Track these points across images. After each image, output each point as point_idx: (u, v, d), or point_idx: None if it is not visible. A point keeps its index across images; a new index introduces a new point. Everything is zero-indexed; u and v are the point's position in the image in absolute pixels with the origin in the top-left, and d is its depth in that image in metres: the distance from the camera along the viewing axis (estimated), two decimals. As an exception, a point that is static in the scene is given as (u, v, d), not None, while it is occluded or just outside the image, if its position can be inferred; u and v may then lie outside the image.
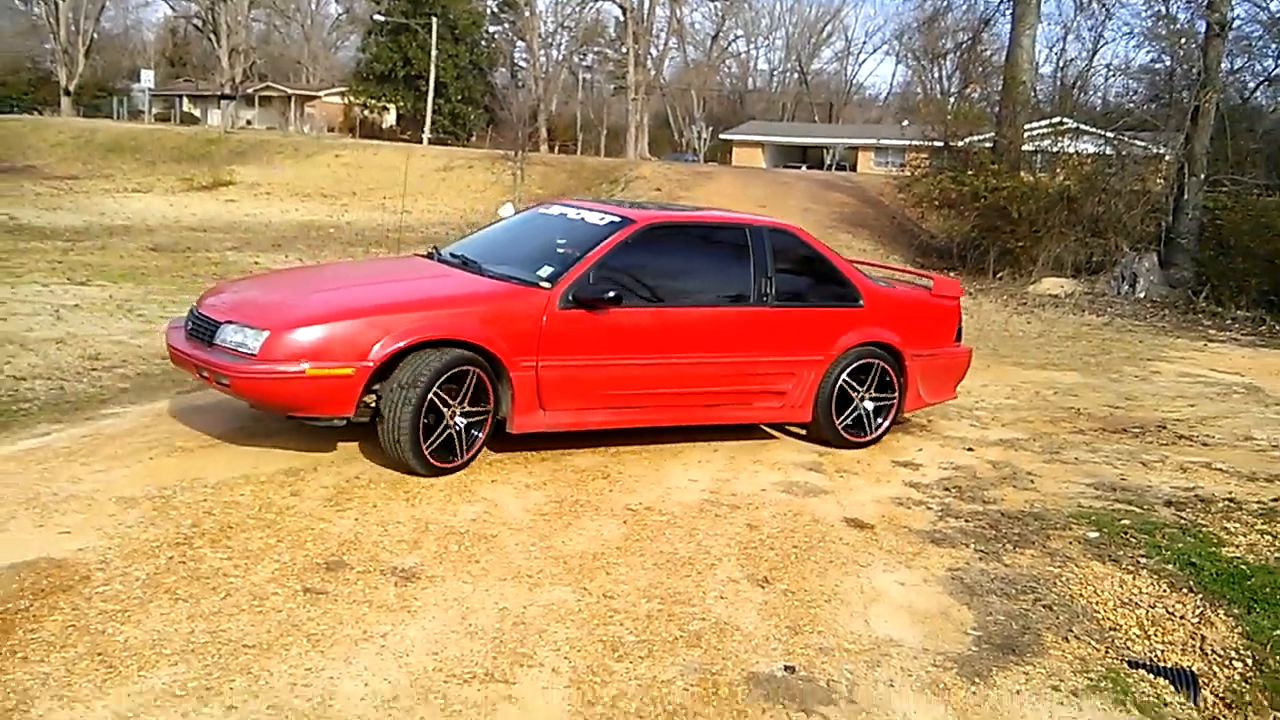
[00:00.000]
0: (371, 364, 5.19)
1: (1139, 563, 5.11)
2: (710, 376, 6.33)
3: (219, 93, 54.50)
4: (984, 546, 5.21)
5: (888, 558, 4.99)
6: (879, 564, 4.91)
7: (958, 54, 29.81)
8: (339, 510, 4.90)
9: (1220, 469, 6.90)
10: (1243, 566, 5.12)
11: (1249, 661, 4.44)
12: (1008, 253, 17.79)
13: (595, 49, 69.18)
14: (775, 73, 77.32)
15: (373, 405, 5.38)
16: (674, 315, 6.16)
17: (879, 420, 6.88)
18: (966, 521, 5.54)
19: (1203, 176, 17.69)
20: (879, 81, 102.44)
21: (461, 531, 4.76)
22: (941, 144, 20.86)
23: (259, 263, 15.73)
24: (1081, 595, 4.79)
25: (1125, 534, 5.46)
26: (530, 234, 6.91)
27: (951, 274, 17.56)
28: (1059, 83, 36.66)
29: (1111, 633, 4.52)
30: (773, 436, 6.89)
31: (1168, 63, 22.63)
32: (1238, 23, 20.12)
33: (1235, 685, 4.31)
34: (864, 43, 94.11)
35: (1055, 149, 20.61)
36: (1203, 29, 18.88)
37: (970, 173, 18.84)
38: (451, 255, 6.58)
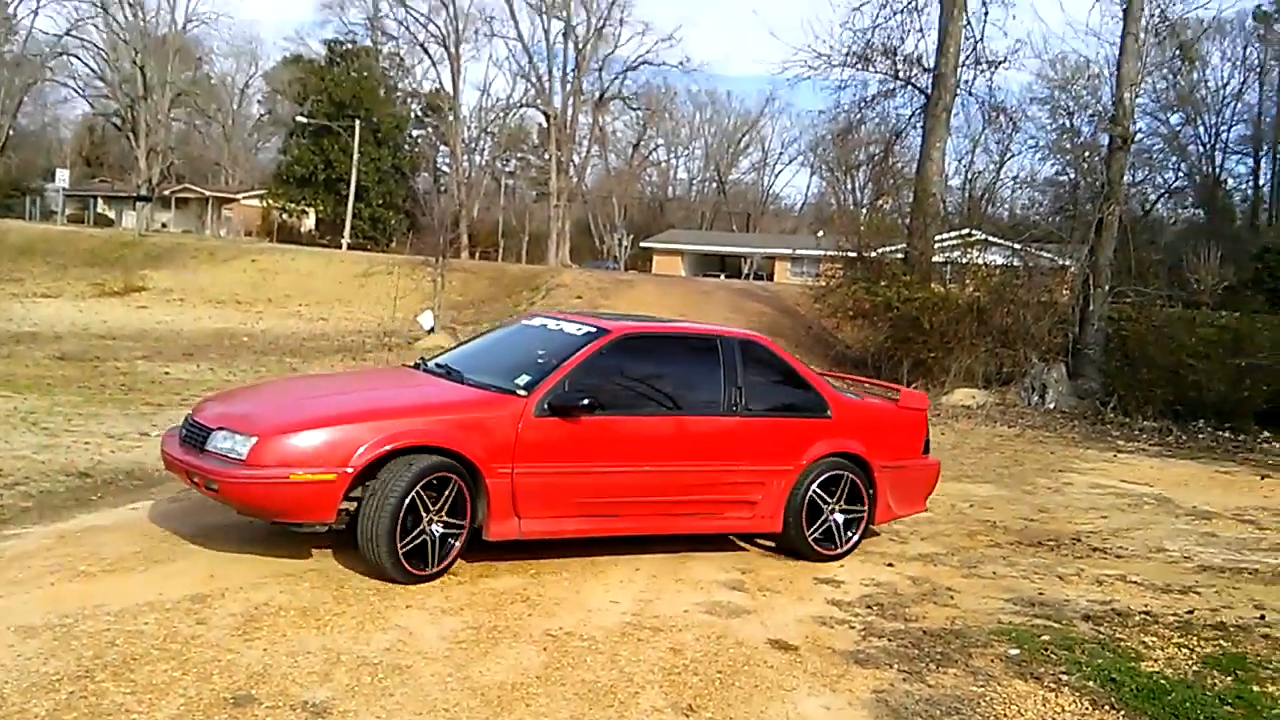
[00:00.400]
0: (351, 470, 5.35)
1: (1060, 680, 5.12)
2: (683, 485, 6.44)
3: (135, 193, 53.75)
4: (907, 666, 5.17)
5: (812, 681, 4.92)
6: (804, 688, 4.83)
7: (870, 166, 30.74)
8: (247, 640, 4.70)
9: (1135, 581, 7.01)
10: (1162, 681, 5.16)
11: (1173, 782, 4.45)
12: (921, 363, 18.15)
13: (518, 155, 70.24)
14: (694, 181, 79.14)
15: (351, 511, 5.48)
16: (647, 424, 6.34)
17: (849, 533, 6.93)
18: (889, 640, 5.51)
19: (1107, 288, 18.31)
20: (794, 192, 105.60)
21: (374, 662, 4.58)
22: (855, 254, 21.37)
23: (169, 373, 15.38)
24: (1006, 715, 4.76)
25: (1046, 650, 5.47)
26: (513, 345, 7.10)
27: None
28: (968, 194, 38.08)
29: (1037, 755, 4.50)
30: (694, 552, 6.81)
31: (1072, 175, 23.60)
32: (1139, 136, 21.08)
33: (1160, 808, 4.30)
34: (780, 154, 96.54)
35: (965, 260, 21.21)
36: (1106, 142, 19.71)
37: (883, 283, 19.30)
38: (436, 365, 6.79)
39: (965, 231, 22.71)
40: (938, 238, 21.90)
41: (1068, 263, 19.72)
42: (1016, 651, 5.44)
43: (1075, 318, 18.41)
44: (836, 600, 6.12)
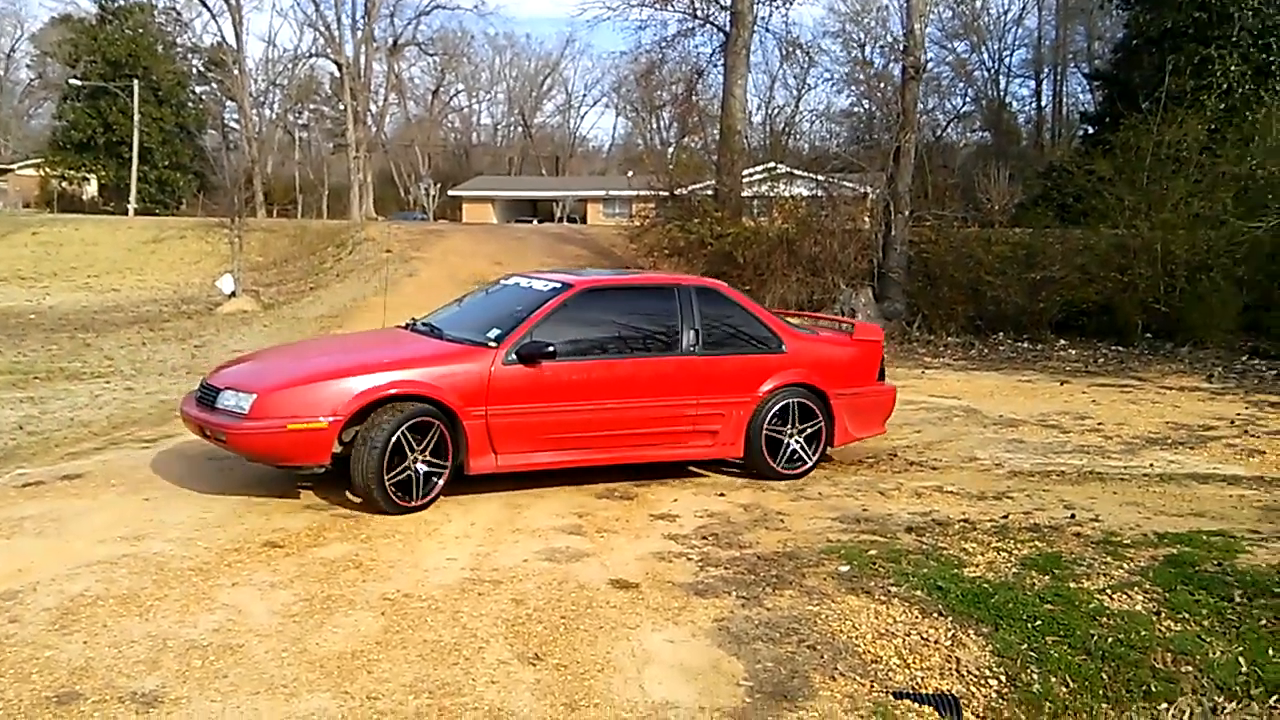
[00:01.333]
0: (340, 418, 6.18)
1: (890, 592, 5.33)
2: (644, 419, 7.15)
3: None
4: (745, 592, 5.28)
5: (655, 616, 4.97)
6: (647, 624, 4.88)
7: (674, 105, 30.91)
8: (65, 634, 4.41)
9: (952, 491, 7.35)
10: (985, 585, 5.43)
11: (1002, 679, 4.69)
12: (737, 296, 18.50)
13: (311, 106, 67.39)
14: (500, 127, 78.01)
15: (344, 453, 6.31)
16: (607, 366, 7.04)
17: (809, 455, 7.67)
18: (726, 569, 5.61)
19: (907, 213, 18.96)
20: (602, 133, 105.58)
21: (204, 645, 4.36)
22: (666, 193, 21.51)
23: (-54, 356, 14.18)
24: (841, 631, 4.93)
25: (874, 565, 5.68)
26: (490, 303, 7.83)
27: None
28: (770, 129, 38.83)
29: (874, 666, 4.67)
30: (535, 502, 6.78)
31: (868, 106, 24.33)
32: (930, 65, 21.78)
33: (993, 704, 4.53)
34: (584, 95, 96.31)
35: (772, 194, 21.63)
36: (899, 73, 20.32)
37: (695, 221, 19.51)
38: (421, 325, 7.61)
39: (770, 166, 23.09)
40: (745, 173, 22.22)
41: (869, 191, 20.34)
42: (847, 568, 5.62)
43: (879, 243, 19.01)
44: (673, 534, 6.19)
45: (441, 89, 70.12)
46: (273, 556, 5.49)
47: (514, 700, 4.11)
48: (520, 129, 74.93)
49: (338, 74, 54.66)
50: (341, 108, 55.12)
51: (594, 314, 7.19)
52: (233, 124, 61.86)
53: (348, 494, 6.56)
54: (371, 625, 4.71)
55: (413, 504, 6.34)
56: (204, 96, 60.48)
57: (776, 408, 7.51)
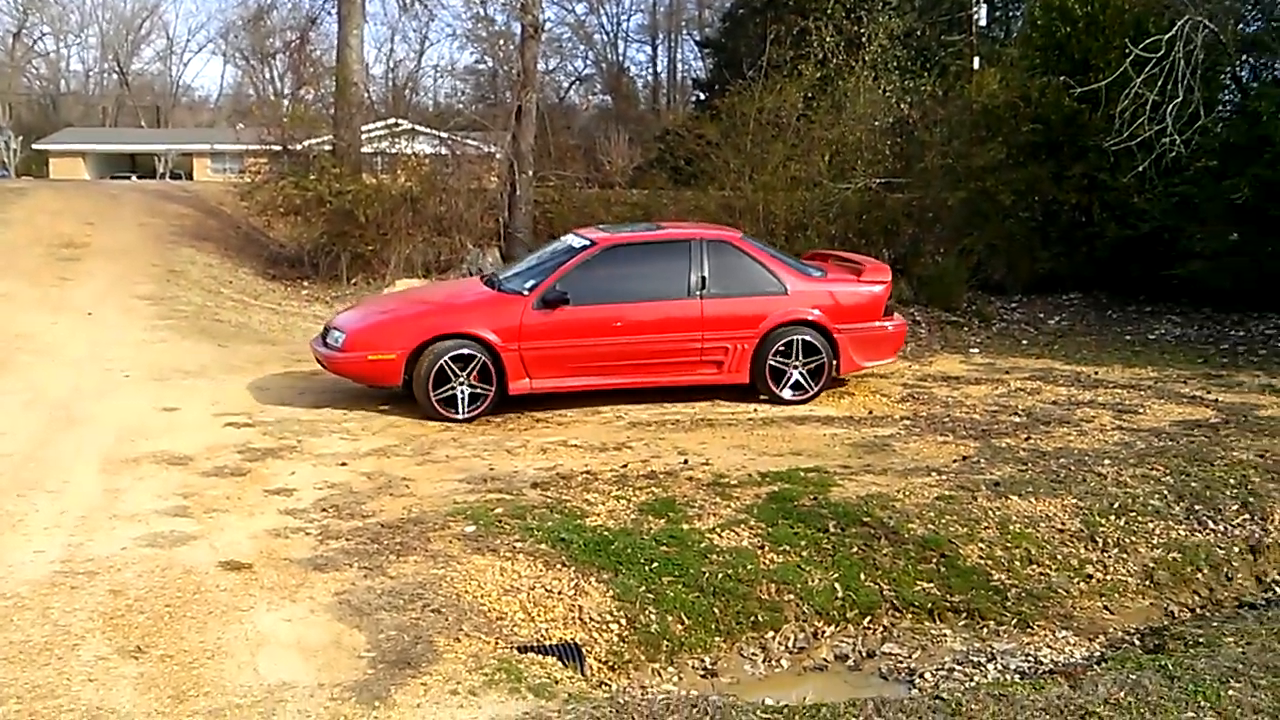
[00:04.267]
0: (404, 351, 8.09)
1: (515, 548, 5.40)
2: (654, 352, 8.55)
3: None
4: (368, 562, 5.16)
5: (270, 596, 4.74)
6: (262, 605, 4.64)
7: (287, 54, 29.30)
8: None
9: (576, 445, 7.53)
10: (605, 533, 5.63)
11: (623, 622, 4.89)
12: (360, 256, 17.85)
13: None
14: (92, 74, 70.50)
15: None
16: (621, 308, 8.51)
17: (813, 382, 8.83)
18: (348, 540, 5.45)
19: (531, 173, 19.13)
20: (209, 83, 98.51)
21: None
22: (280, 148, 20.37)
23: None
24: (467, 592, 4.93)
25: (500, 522, 5.73)
26: (543, 258, 9.40)
27: (306, 283, 17.36)
28: (391, 84, 37.83)
29: (499, 623, 4.71)
30: (134, 485, 6.23)
31: (490, 64, 24.18)
32: (549, 25, 21.94)
33: (615, 647, 4.71)
34: (188, 41, 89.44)
35: (394, 150, 21.08)
36: (519, 31, 20.38)
37: (313, 177, 18.63)
38: (490, 277, 9.52)
39: (392, 121, 22.49)
40: (365, 128, 21.48)
41: (494, 150, 20.33)
42: (473, 528, 5.63)
43: (504, 203, 19.09)
44: (290, 509, 5.92)
45: (24, 31, 62.45)
46: None
47: (115, 697, 3.79)
48: (116, 76, 68.29)
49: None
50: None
51: (615, 266, 8.68)
52: None
53: None
54: (-58, 632, 4.15)
55: (457, 416, 8.08)
56: None
57: (781, 342, 8.68)
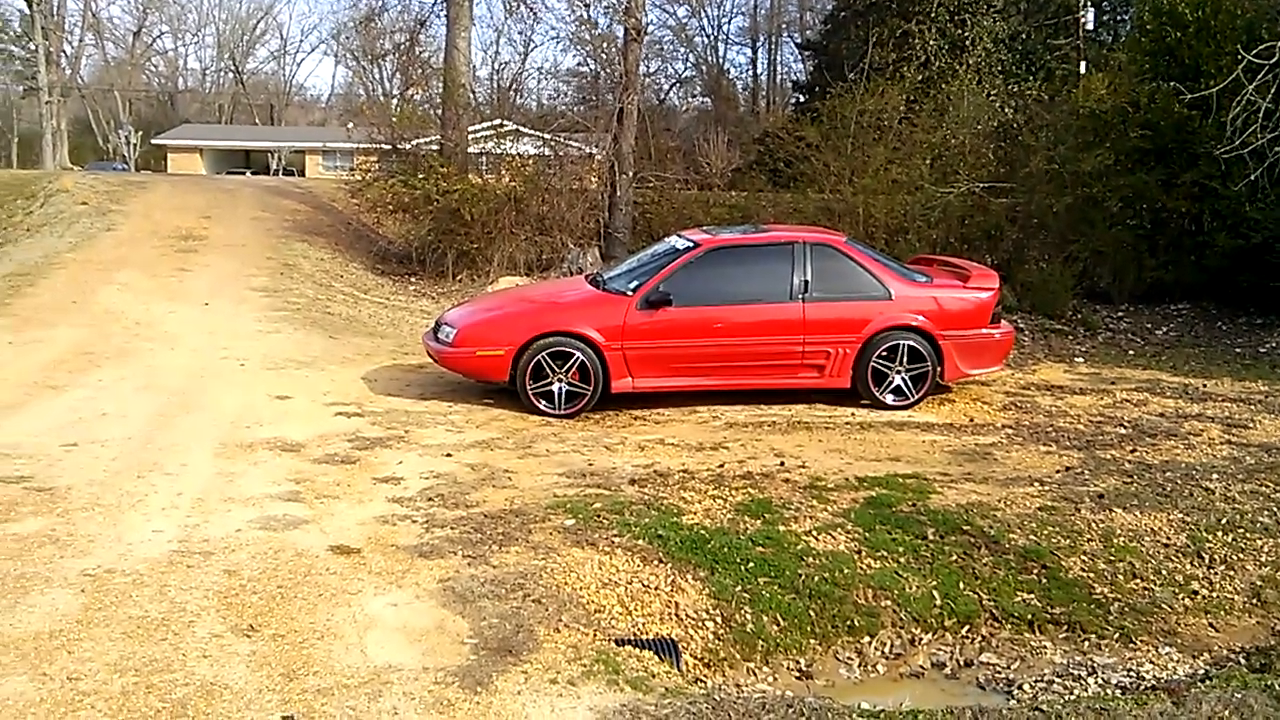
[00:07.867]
0: (512, 347, 8.22)
1: (614, 542, 5.47)
2: (755, 355, 8.55)
3: None
4: (471, 551, 5.28)
5: (378, 580, 4.88)
6: (370, 589, 4.79)
7: (396, 55, 29.90)
8: None
9: (673, 444, 7.60)
10: (702, 532, 5.67)
11: (719, 620, 4.93)
12: (465, 254, 18.19)
13: (-2, 46, 60.69)
14: (208, 72, 72.98)
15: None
16: (723, 310, 8.53)
17: (917, 388, 8.71)
18: (452, 529, 5.58)
19: (631, 174, 19.26)
20: (319, 82, 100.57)
21: None
22: (389, 147, 20.85)
23: None
24: (566, 583, 5.02)
25: (598, 517, 5.82)
26: (648, 258, 9.48)
27: (413, 279, 17.72)
28: (496, 86, 38.36)
29: (597, 615, 4.79)
30: (249, 470, 6.48)
31: (593, 66, 24.39)
32: (651, 28, 22.03)
33: (711, 645, 4.76)
34: (301, 41, 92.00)
35: (499, 151, 21.39)
36: (621, 34, 20.53)
37: (421, 176, 19.02)
38: (595, 276, 9.49)
39: (497, 122, 22.80)
40: (471, 129, 21.85)
41: (595, 151, 20.49)
42: (572, 522, 5.72)
43: (605, 203, 19.25)
44: (397, 497, 6.09)
45: (144, 30, 64.95)
46: (-53, 538, 4.99)
47: (228, 673, 3.94)
48: (232, 75, 70.55)
49: (27, 11, 49.42)
50: (32, 48, 49.91)
51: (717, 268, 8.67)
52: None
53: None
54: (71, 603, 4.40)
55: (553, 412, 8.21)
56: None
57: (884, 347, 8.60)
